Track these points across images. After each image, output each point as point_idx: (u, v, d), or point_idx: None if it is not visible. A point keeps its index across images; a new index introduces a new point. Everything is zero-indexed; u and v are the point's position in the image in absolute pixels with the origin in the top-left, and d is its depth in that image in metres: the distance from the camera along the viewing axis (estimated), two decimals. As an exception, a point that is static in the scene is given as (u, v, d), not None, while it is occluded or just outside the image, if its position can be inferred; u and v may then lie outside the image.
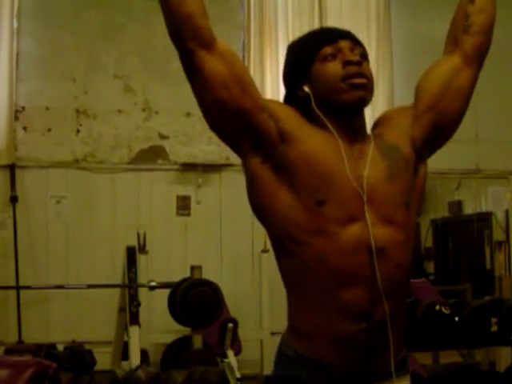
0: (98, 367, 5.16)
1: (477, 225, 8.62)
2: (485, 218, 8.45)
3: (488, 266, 8.20)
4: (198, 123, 7.06)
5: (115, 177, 7.08)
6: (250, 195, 1.87)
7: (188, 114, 7.15)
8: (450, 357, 6.17)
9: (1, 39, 6.76)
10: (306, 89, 1.88)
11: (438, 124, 1.94)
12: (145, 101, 7.19)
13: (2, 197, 6.80)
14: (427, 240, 9.01)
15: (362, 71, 1.84)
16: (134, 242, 6.31)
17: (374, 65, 6.91)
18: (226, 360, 5.72)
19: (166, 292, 6.12)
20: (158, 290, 6.15)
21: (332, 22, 7.28)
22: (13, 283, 6.60)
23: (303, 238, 1.79)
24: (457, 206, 9.34)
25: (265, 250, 6.71)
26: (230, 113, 1.80)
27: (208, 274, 6.18)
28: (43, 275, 6.70)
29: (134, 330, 5.66)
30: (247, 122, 1.81)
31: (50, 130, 6.96)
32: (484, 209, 8.83)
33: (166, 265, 6.89)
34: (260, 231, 6.55)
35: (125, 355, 5.84)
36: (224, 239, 7.20)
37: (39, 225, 6.88)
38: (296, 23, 7.36)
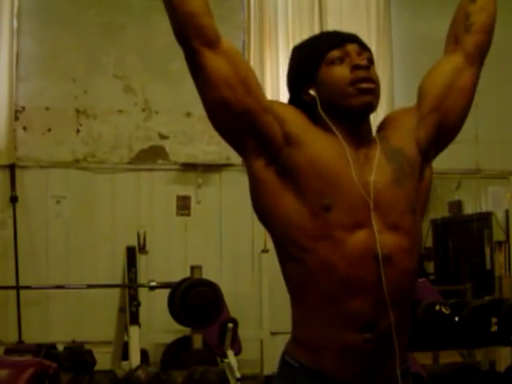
0: (98, 367, 5.15)
1: (477, 225, 8.61)
2: (485, 218, 8.45)
3: (488, 266, 8.20)
4: (198, 123, 7.06)
5: (115, 177, 7.08)
6: (253, 198, 1.84)
7: (188, 114, 7.15)
8: (450, 357, 6.17)
9: (1, 39, 6.76)
10: (312, 92, 1.85)
11: (443, 124, 1.92)
12: (145, 101, 7.19)
13: (2, 197, 6.80)
14: (427, 240, 9.00)
15: (370, 76, 1.82)
16: (134, 242, 6.31)
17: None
18: (225, 360, 5.72)
19: (166, 292, 6.12)
20: (158, 290, 6.15)
21: (332, 22, 7.28)
22: (13, 283, 6.60)
23: (308, 244, 1.75)
24: (457, 206, 9.34)
25: (265, 250, 6.71)
26: (233, 113, 1.78)
27: (208, 274, 6.18)
28: (43, 275, 6.70)
29: (134, 330, 5.66)
30: (251, 123, 1.78)
31: (49, 129, 6.96)
32: (484, 209, 8.83)
33: (166, 265, 6.89)
34: (260, 231, 6.56)
35: (125, 355, 5.84)
36: (224, 239, 7.20)
37: (39, 225, 6.88)
38: (296, 23, 7.36)
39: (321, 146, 1.80)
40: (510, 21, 6.65)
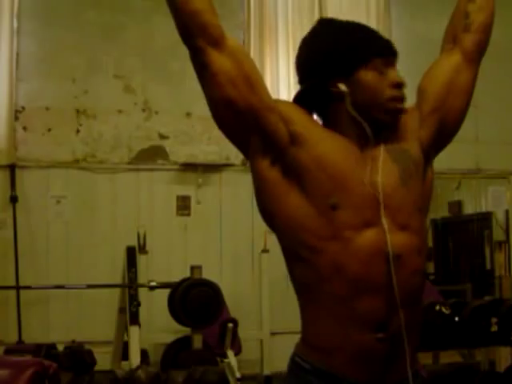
0: (98, 367, 5.15)
1: (477, 225, 8.62)
2: (485, 218, 8.46)
3: (488, 266, 8.20)
4: (198, 123, 7.07)
5: (115, 177, 7.08)
6: (258, 198, 1.83)
7: (188, 114, 7.15)
8: (450, 357, 6.17)
9: (1, 39, 6.77)
10: (343, 87, 1.81)
11: (443, 124, 1.92)
12: (145, 101, 7.19)
13: (2, 197, 6.80)
14: (427, 240, 9.01)
15: (404, 96, 1.84)
16: (134, 242, 6.31)
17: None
18: (225, 360, 5.73)
19: (166, 292, 6.13)
20: (158, 290, 6.16)
21: (332, 22, 7.28)
22: (13, 283, 6.60)
23: (317, 245, 1.74)
24: (457, 206, 9.35)
25: (265, 250, 6.71)
26: (237, 112, 1.77)
27: (208, 274, 6.19)
28: (43, 275, 6.70)
29: (133, 330, 5.67)
30: (255, 122, 1.77)
31: (50, 130, 6.96)
32: (484, 209, 8.84)
33: (166, 265, 6.89)
34: (260, 231, 6.56)
35: (125, 355, 5.84)
36: (224, 239, 7.20)
37: (39, 225, 6.89)
38: (296, 23, 7.36)
39: (327, 146, 1.79)
40: (510, 20, 6.65)
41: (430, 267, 9.01)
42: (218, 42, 1.77)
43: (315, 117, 1.89)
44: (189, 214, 7.20)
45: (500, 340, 4.66)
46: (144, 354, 6.04)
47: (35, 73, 7.00)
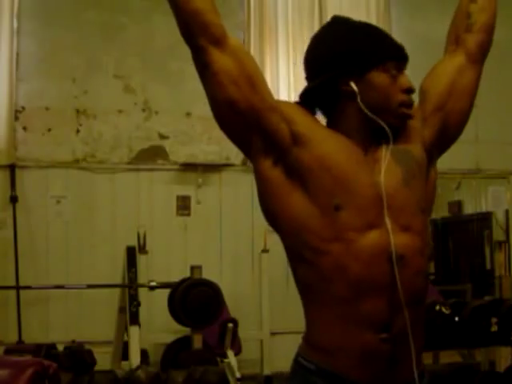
0: (98, 367, 5.15)
1: (477, 225, 8.62)
2: (485, 218, 8.46)
3: (488, 266, 8.20)
4: (198, 123, 7.07)
5: (115, 177, 7.08)
6: (261, 199, 1.82)
7: (188, 114, 7.15)
8: (450, 357, 6.17)
9: (1, 39, 6.77)
10: (354, 86, 1.80)
11: (446, 124, 1.92)
12: (145, 101, 7.19)
13: (2, 197, 6.80)
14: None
15: (413, 102, 1.84)
16: (134, 242, 6.31)
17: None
18: (226, 360, 5.73)
19: (166, 292, 6.12)
20: (158, 290, 6.16)
21: (332, 22, 7.28)
22: (13, 283, 6.60)
23: (320, 246, 1.74)
24: (457, 206, 9.35)
25: (265, 250, 6.71)
26: (239, 112, 1.76)
27: (208, 274, 6.18)
28: (43, 275, 6.70)
29: (133, 330, 5.67)
30: (257, 121, 1.77)
31: (50, 130, 6.96)
32: (484, 209, 8.84)
33: (166, 265, 6.89)
34: (260, 231, 6.57)
35: (125, 355, 5.84)
36: (224, 239, 7.20)
37: (39, 225, 6.88)
38: (296, 23, 7.36)
39: (330, 146, 1.79)
40: (510, 21, 6.65)
41: (430, 267, 9.01)
42: (219, 42, 1.77)
43: (318, 116, 1.88)
44: (189, 214, 7.20)
45: (500, 340, 4.66)
46: (144, 354, 6.04)
47: (35, 73, 7.00)
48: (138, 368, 4.87)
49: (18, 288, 6.59)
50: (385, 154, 1.81)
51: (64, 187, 6.98)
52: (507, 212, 8.07)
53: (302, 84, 1.91)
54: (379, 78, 1.82)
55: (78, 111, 7.04)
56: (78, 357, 5.07)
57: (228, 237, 7.19)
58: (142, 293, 6.05)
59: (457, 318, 4.53)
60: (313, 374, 1.77)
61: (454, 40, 1.99)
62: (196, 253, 7.02)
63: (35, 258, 6.82)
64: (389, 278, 1.73)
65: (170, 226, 7.13)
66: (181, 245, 7.10)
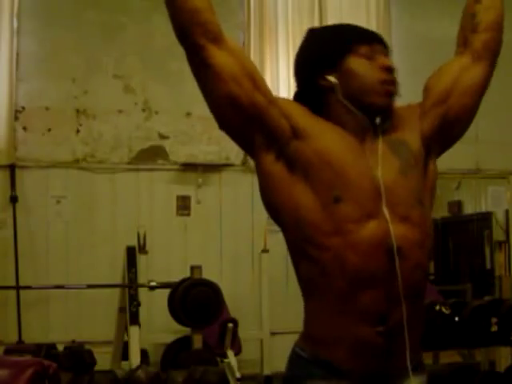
0: (98, 367, 5.15)
1: (477, 225, 8.62)
2: (485, 218, 8.46)
3: (488, 266, 8.20)
4: (198, 123, 7.07)
5: (115, 177, 7.08)
6: (264, 194, 1.85)
7: (188, 114, 7.15)
8: (450, 357, 6.17)
9: (1, 39, 6.77)
10: (332, 79, 1.84)
11: (446, 119, 1.92)
12: (145, 101, 7.19)
13: (2, 197, 6.80)
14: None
15: (395, 80, 1.86)
16: (134, 242, 6.31)
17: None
18: (226, 360, 5.73)
19: (166, 292, 6.12)
20: (158, 290, 6.16)
21: (332, 22, 7.28)
22: (13, 283, 6.59)
23: (321, 241, 1.76)
24: (457, 206, 9.35)
25: (265, 250, 6.70)
26: (241, 108, 1.78)
27: (208, 274, 6.18)
28: (43, 275, 6.70)
29: (133, 330, 5.66)
30: (259, 117, 1.79)
31: (50, 130, 6.96)
32: (484, 209, 8.84)
33: (166, 265, 6.89)
34: (260, 231, 6.57)
35: (125, 355, 5.84)
36: (224, 239, 7.19)
37: (39, 225, 6.88)
38: (296, 23, 7.36)
39: (328, 139, 1.81)
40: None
41: (430, 267, 9.01)
42: (218, 39, 1.79)
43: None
44: (189, 214, 7.20)
45: (500, 340, 4.66)
46: (144, 353, 6.04)
47: (35, 73, 7.00)
48: (137, 368, 4.87)
49: (17, 288, 6.59)
50: (382, 145, 1.83)
51: (64, 187, 6.98)
52: (507, 212, 8.07)
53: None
54: (355, 63, 1.84)
55: (77, 111, 7.04)
56: (77, 357, 5.07)
57: (228, 237, 7.19)
58: (142, 293, 6.05)
59: (457, 318, 4.53)
60: (309, 363, 1.80)
61: (462, 42, 2.00)
62: (196, 253, 7.02)
63: (35, 258, 6.82)
64: (387, 270, 1.74)
65: (169, 225, 7.12)
66: (181, 245, 7.10)
